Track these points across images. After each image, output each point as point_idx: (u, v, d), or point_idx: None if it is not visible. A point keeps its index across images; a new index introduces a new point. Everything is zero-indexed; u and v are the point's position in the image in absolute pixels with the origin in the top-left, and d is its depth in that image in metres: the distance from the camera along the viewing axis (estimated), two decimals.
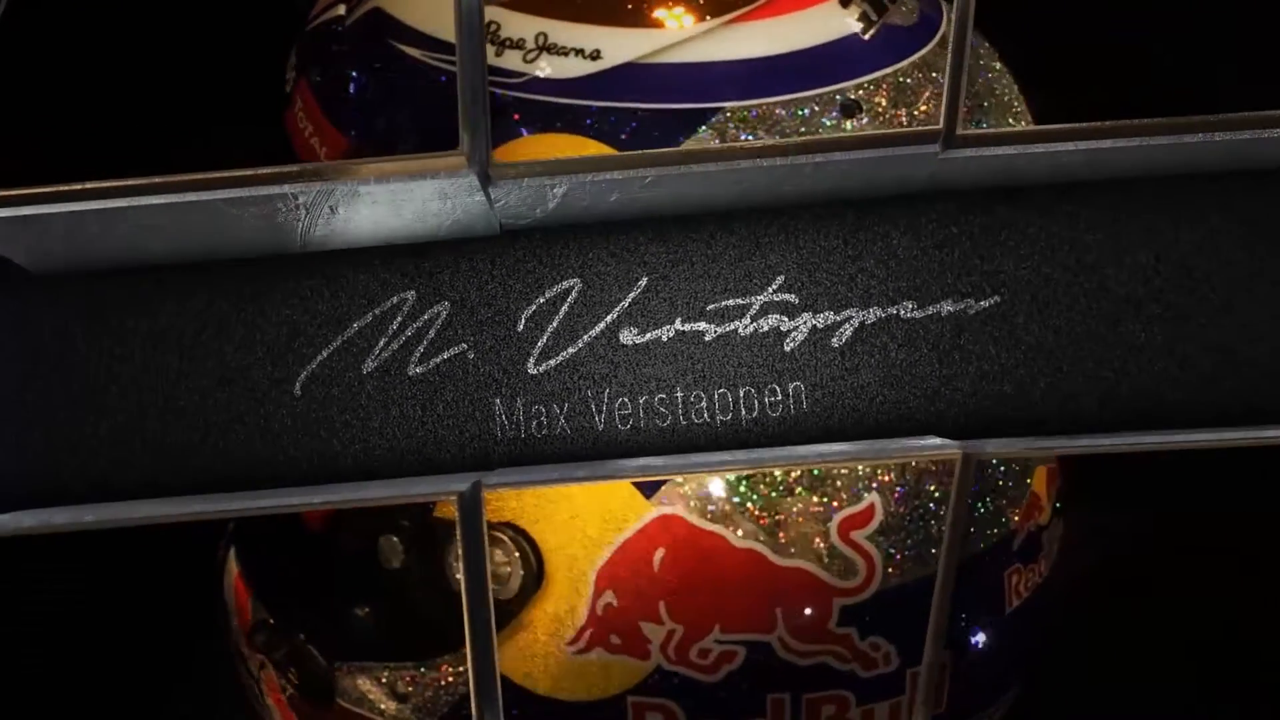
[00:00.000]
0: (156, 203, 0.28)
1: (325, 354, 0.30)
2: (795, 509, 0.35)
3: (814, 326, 0.30)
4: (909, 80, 0.38)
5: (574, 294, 0.31)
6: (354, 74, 0.39)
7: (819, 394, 0.30)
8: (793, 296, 0.30)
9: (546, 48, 0.36)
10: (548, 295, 0.31)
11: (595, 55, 0.35)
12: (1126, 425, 0.30)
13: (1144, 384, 0.30)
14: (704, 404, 0.30)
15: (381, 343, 0.31)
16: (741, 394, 0.30)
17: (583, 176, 0.28)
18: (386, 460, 0.30)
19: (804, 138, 0.32)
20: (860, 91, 0.37)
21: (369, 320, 0.31)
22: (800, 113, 0.36)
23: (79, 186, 0.27)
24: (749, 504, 0.35)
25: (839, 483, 0.35)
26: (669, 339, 0.30)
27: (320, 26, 0.42)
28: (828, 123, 0.36)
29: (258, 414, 0.30)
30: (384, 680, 0.39)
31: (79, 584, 0.54)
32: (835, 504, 0.35)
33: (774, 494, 0.35)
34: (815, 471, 0.36)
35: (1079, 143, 0.28)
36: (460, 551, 0.27)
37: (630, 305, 0.30)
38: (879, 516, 0.36)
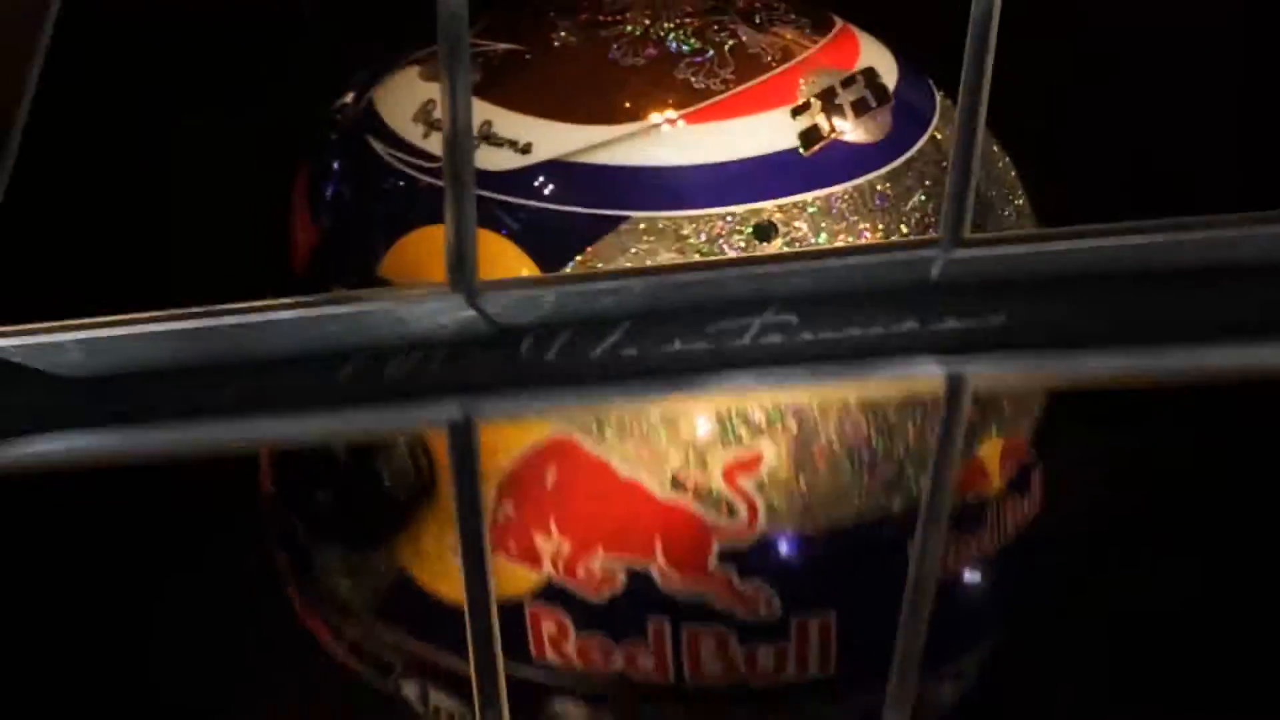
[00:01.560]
0: (160, 330, 0.29)
1: None
2: (682, 446, 0.36)
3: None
4: (843, 205, 0.36)
5: None
6: (333, 164, 0.41)
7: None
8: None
9: (486, 137, 0.36)
10: None
11: (526, 149, 0.36)
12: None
13: None
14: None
15: None
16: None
17: (571, 288, 0.29)
18: None
19: (806, 249, 0.32)
20: (780, 214, 0.35)
21: None
22: (704, 231, 0.35)
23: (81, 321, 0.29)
24: (637, 435, 0.37)
25: (729, 424, 0.36)
26: None
27: (331, 112, 0.43)
28: (740, 243, 0.35)
29: None
30: (341, 560, 0.44)
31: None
32: (722, 445, 0.36)
33: (663, 429, 0.36)
34: (714, 413, 0.36)
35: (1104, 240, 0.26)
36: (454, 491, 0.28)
37: None
38: (767, 464, 0.36)
